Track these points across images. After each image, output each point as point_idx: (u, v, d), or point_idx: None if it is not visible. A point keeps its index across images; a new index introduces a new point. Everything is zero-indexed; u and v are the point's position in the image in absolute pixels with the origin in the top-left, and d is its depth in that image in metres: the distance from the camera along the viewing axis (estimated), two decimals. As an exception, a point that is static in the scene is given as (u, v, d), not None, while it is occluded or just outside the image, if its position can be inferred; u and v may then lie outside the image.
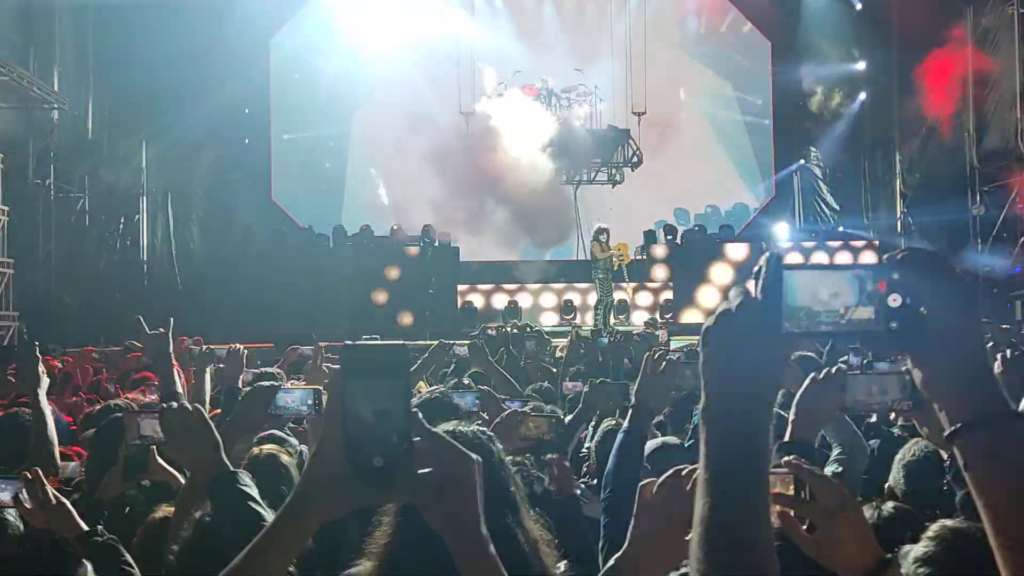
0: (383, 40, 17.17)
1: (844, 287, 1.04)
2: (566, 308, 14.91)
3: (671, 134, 17.14)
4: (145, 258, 15.98)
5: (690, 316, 14.29)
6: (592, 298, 14.67)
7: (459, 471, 1.05)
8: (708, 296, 14.58)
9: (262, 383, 3.10)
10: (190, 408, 1.95)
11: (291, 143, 17.63)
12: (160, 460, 2.48)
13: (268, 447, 2.62)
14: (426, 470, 1.02)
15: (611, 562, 1.39)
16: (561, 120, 15.02)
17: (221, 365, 4.21)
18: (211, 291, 14.27)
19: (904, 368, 2.35)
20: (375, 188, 17.53)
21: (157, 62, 15.39)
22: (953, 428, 0.98)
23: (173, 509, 2.12)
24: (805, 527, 1.28)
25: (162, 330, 3.68)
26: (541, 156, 14.57)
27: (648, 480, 1.39)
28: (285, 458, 2.51)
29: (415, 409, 1.04)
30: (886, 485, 2.70)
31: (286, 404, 3.40)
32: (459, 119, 15.52)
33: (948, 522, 1.66)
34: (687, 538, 1.28)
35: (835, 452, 2.87)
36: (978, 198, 15.62)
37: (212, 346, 5.30)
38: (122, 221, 15.37)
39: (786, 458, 1.33)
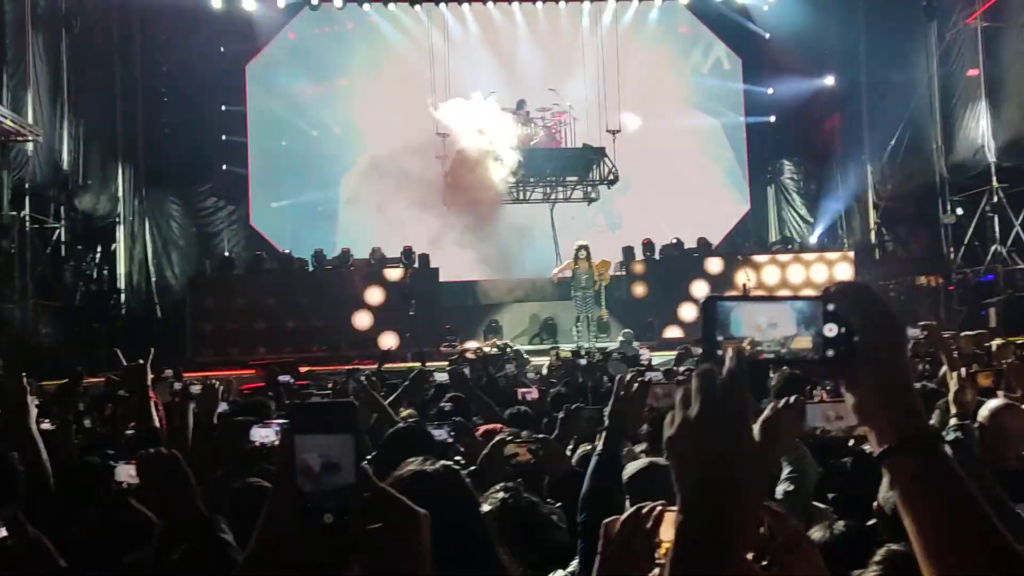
0: (357, 63, 17.28)
1: (783, 318, 1.09)
2: (546, 327, 14.93)
3: (645, 151, 17.32)
4: (123, 287, 15.86)
5: (671, 332, 14.38)
6: (571, 317, 14.72)
7: (405, 527, 1.04)
8: (688, 312, 14.69)
9: (236, 418, 3.10)
10: (166, 453, 1.93)
11: (267, 159, 17.60)
12: (137, 504, 2.46)
13: (257, 480, 2.62)
14: (375, 526, 1.02)
15: None
16: (536, 138, 15.10)
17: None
18: (191, 319, 14.18)
19: None
20: (352, 211, 17.52)
21: (131, 90, 15.37)
22: (881, 450, 1.02)
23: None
24: (759, 561, 1.30)
25: (141, 361, 3.60)
26: (510, 174, 14.65)
27: (611, 518, 1.40)
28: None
29: (364, 464, 1.05)
30: (874, 503, 2.74)
31: (261, 438, 3.41)
32: (436, 140, 15.56)
33: (894, 546, 1.70)
34: (652, 574, 1.29)
35: (786, 471, 2.90)
36: (948, 207, 15.87)
37: (190, 375, 5.26)
38: (98, 251, 15.26)
39: None
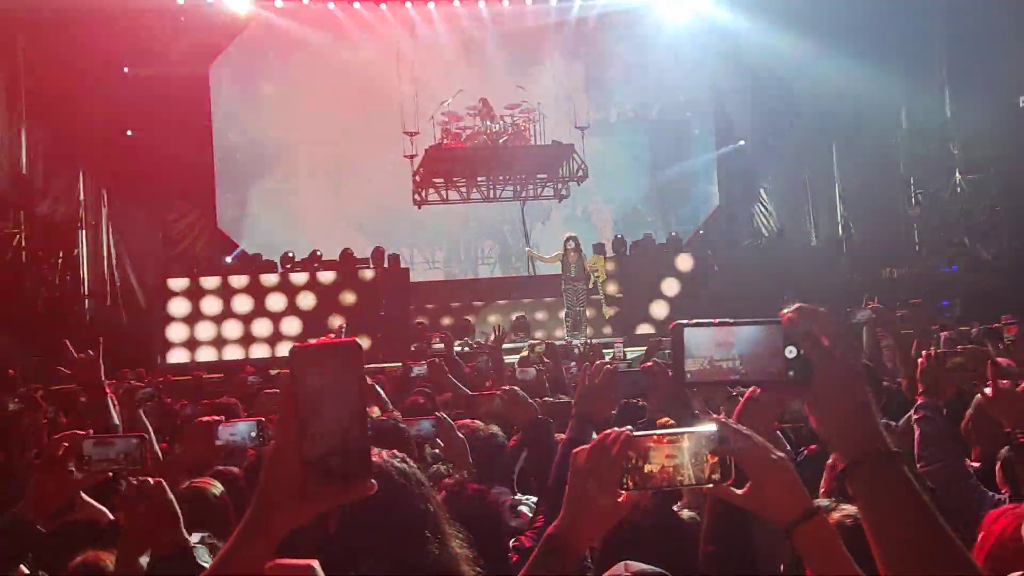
0: (323, 63, 17.15)
1: (746, 340, 1.18)
2: (517, 324, 14.90)
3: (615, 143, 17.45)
4: (86, 293, 15.59)
5: (643, 328, 14.41)
6: (541, 314, 14.70)
7: None
8: (659, 309, 14.76)
9: (201, 419, 3.02)
10: (151, 482, 1.83)
11: (232, 162, 17.43)
12: (85, 496, 2.38)
13: (198, 480, 2.54)
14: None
15: (549, 530, 1.39)
16: (504, 136, 15.06)
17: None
18: (158, 325, 13.96)
19: None
20: (321, 213, 17.41)
21: (92, 92, 15.11)
22: (843, 466, 1.12)
23: (99, 554, 2.03)
24: (731, 483, 1.33)
25: (91, 353, 3.43)
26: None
27: (579, 448, 1.42)
28: (213, 491, 2.44)
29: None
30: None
31: (229, 438, 3.32)
32: (403, 139, 15.48)
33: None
34: (619, 500, 1.35)
35: None
36: (913, 200, 16.10)
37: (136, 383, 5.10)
38: (60, 256, 14.97)
39: (715, 416, 1.37)
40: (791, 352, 1.16)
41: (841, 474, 1.12)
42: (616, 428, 1.37)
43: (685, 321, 1.21)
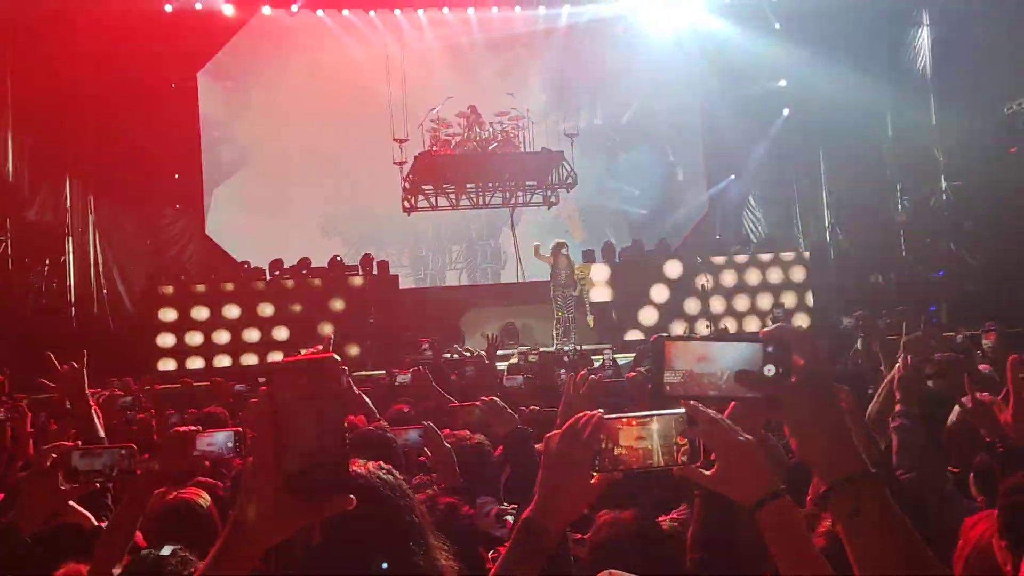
0: (312, 69, 17.15)
1: (726, 357, 1.18)
2: (506, 331, 14.90)
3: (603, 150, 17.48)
4: (73, 300, 15.50)
5: (632, 335, 14.44)
6: (530, 320, 14.69)
7: None
8: (648, 315, 14.80)
9: (179, 428, 3.01)
10: None
11: (220, 167, 17.41)
12: (75, 506, 2.38)
13: (185, 491, 2.53)
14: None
15: (524, 514, 1.41)
16: (494, 143, 15.08)
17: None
18: (147, 333, 13.89)
19: None
20: (310, 219, 17.40)
21: (80, 97, 15.06)
22: (823, 491, 1.13)
23: (80, 568, 2.02)
24: (700, 464, 1.35)
25: (75, 364, 3.37)
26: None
27: (552, 433, 1.44)
28: (201, 503, 2.43)
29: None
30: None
31: (207, 448, 3.31)
32: (392, 146, 15.48)
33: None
34: (592, 482, 1.37)
35: None
36: (900, 207, 16.21)
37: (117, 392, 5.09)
38: (47, 263, 14.89)
39: (684, 401, 1.38)
40: (769, 371, 1.16)
41: (821, 497, 1.14)
42: (587, 411, 1.39)
43: (667, 335, 1.21)
